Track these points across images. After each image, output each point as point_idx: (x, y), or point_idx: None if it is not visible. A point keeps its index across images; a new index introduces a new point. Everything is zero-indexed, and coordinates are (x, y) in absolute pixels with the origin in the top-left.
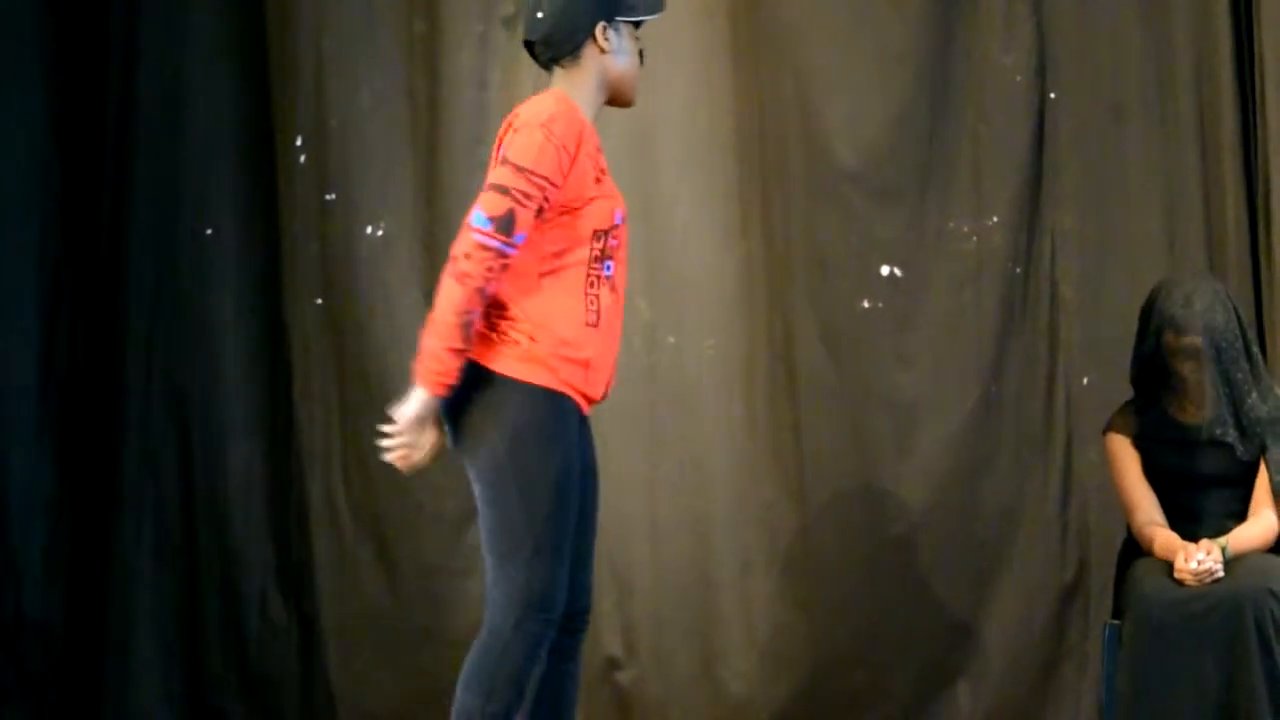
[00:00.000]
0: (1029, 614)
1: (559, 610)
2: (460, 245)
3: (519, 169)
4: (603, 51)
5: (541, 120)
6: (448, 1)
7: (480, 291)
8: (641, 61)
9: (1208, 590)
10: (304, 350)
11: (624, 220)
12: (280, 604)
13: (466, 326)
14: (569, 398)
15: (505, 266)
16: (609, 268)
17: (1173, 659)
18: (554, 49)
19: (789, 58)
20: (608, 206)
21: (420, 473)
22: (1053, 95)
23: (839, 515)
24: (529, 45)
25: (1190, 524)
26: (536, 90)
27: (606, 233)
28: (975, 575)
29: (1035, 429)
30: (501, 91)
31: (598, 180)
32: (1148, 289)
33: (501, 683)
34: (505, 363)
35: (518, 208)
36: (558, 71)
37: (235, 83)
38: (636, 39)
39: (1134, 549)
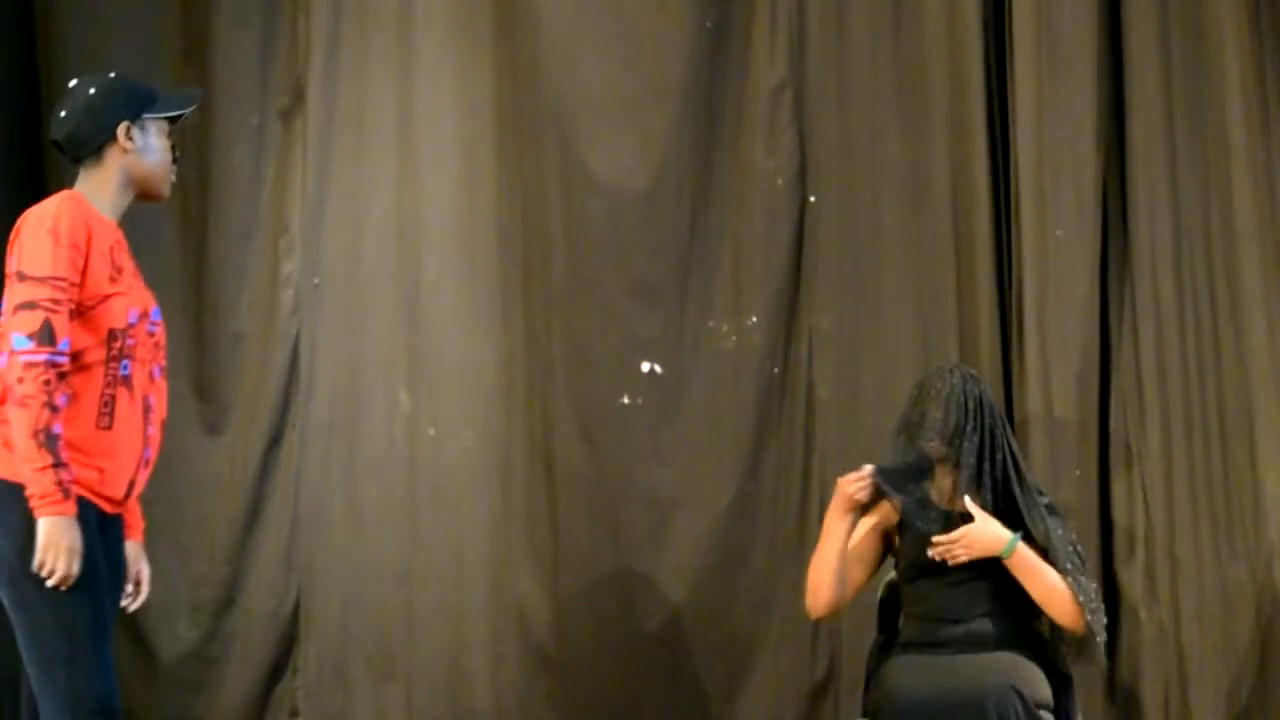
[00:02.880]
0: (780, 711)
1: (116, 704)
2: (11, 374)
3: (38, 279)
4: (125, 151)
5: (46, 225)
6: (222, 92)
7: (46, 405)
8: (175, 157)
9: (955, 688)
10: None
11: (143, 318)
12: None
13: (52, 441)
14: (82, 499)
15: (63, 375)
16: (126, 367)
17: None
18: (76, 148)
19: (553, 154)
20: (123, 305)
21: (180, 560)
22: (812, 198)
23: (594, 609)
24: (56, 143)
25: (942, 622)
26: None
27: (123, 332)
28: (728, 671)
29: (789, 527)
30: (275, 183)
31: (112, 279)
32: (902, 391)
33: None
34: (8, 467)
35: (51, 316)
36: (82, 170)
37: (3, 167)
38: (168, 134)
39: (884, 648)
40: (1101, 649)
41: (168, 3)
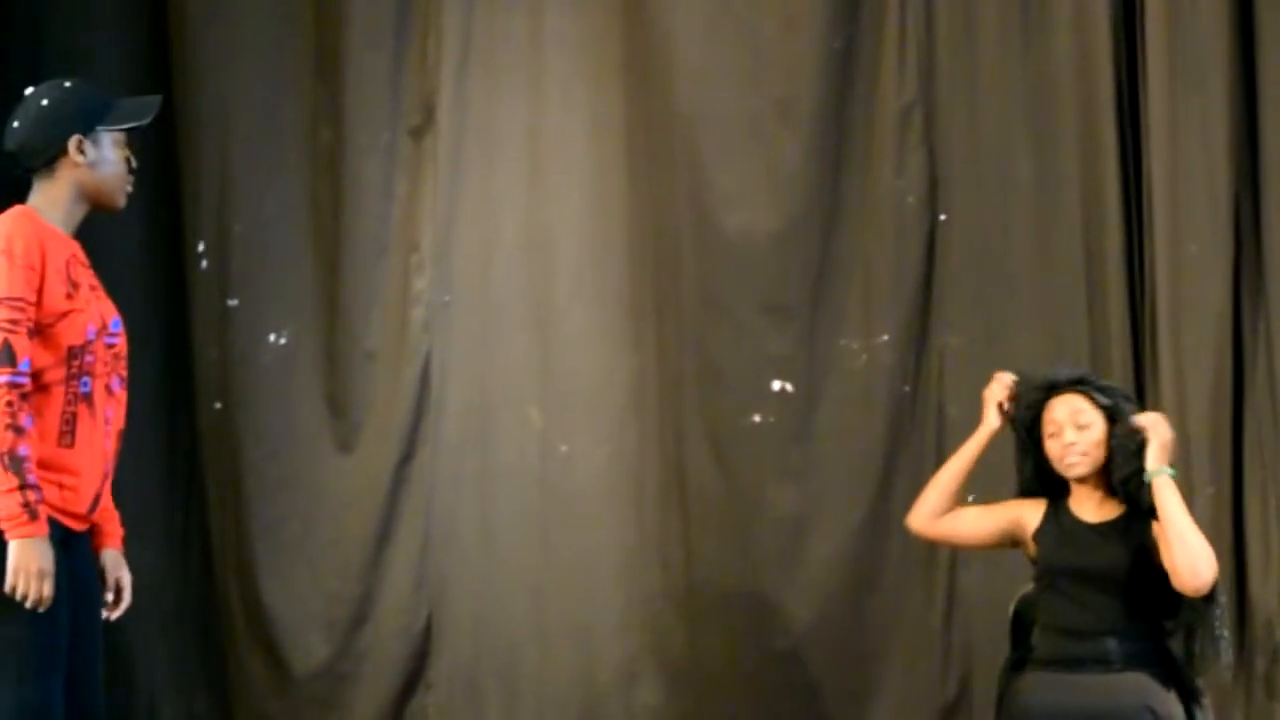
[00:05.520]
0: None
1: None
2: None
3: None
4: (77, 164)
5: (0, 246)
6: (354, 111)
7: (10, 428)
8: (131, 168)
9: (1088, 706)
10: (201, 453)
11: (101, 332)
12: (170, 701)
13: (18, 463)
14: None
15: (25, 395)
16: (86, 384)
17: None
18: (27, 160)
19: (684, 173)
20: (81, 321)
21: (313, 577)
22: (943, 217)
23: (726, 627)
24: (10, 154)
25: (1075, 638)
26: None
27: (82, 349)
28: (858, 691)
29: (920, 546)
30: (407, 201)
31: (69, 296)
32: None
33: None
34: None
35: (10, 336)
36: (35, 182)
37: (141, 187)
38: (123, 145)
39: (1016, 666)
40: (1224, 652)
41: (299, 22)
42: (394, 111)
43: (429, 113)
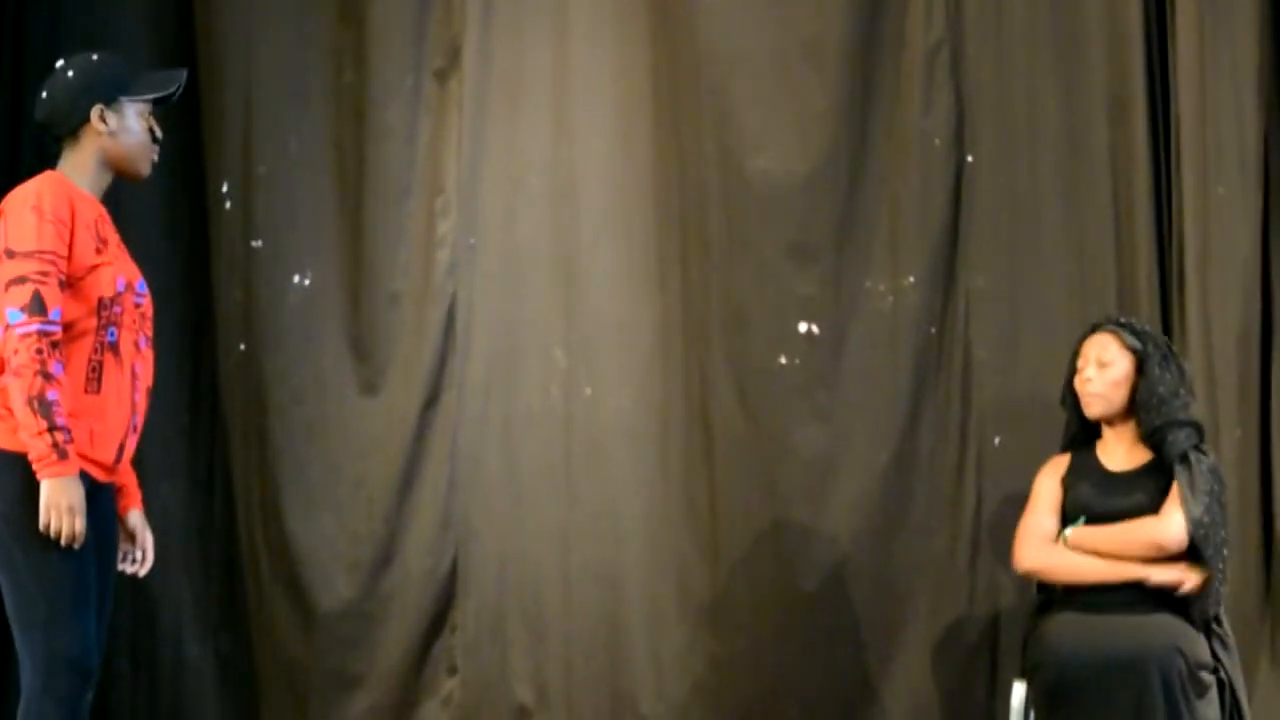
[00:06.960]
0: (936, 671)
1: (92, 666)
2: (7, 346)
3: (26, 254)
4: (100, 133)
5: (30, 203)
6: (378, 53)
7: (40, 374)
8: (155, 138)
9: (1116, 647)
10: (226, 395)
11: (129, 288)
12: (195, 641)
13: (46, 407)
14: None
15: (55, 344)
16: (113, 334)
17: (1080, 717)
18: (55, 129)
19: (709, 114)
20: (110, 274)
21: (338, 519)
22: (970, 159)
23: (751, 568)
24: (39, 124)
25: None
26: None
27: (112, 300)
28: (884, 632)
29: (946, 488)
30: (431, 144)
31: (98, 250)
32: (1059, 351)
33: None
34: (3, 436)
35: (40, 287)
36: (63, 150)
37: (164, 128)
38: (146, 116)
39: (1042, 608)
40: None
41: None
42: (418, 54)
43: (453, 55)
